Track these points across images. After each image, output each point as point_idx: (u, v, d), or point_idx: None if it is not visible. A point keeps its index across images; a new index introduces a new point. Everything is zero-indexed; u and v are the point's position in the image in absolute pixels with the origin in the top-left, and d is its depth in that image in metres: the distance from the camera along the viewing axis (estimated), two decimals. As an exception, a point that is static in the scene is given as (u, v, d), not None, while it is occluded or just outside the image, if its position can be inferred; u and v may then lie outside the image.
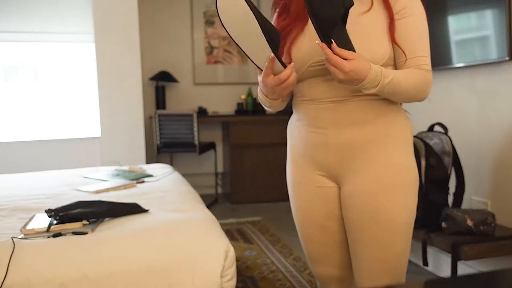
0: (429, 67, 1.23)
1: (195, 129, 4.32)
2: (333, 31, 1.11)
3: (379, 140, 1.24)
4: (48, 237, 1.62)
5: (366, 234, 1.26)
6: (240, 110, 5.03)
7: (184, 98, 5.08)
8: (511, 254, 2.15)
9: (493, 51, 2.26)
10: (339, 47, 1.10)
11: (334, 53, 1.09)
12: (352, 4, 1.10)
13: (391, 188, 1.24)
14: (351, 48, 1.12)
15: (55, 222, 1.72)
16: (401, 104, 1.32)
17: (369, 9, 1.22)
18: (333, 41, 1.09)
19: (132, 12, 3.89)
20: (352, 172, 1.26)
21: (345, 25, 1.13)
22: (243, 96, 5.08)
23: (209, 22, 5.11)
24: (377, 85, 1.12)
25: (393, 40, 1.21)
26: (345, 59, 1.09)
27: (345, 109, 1.23)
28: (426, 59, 1.23)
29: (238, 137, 4.60)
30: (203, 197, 2.55)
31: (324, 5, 1.08)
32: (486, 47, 2.33)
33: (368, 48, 1.19)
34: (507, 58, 2.17)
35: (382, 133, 1.25)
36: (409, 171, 1.27)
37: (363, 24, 1.21)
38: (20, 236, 1.63)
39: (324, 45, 1.09)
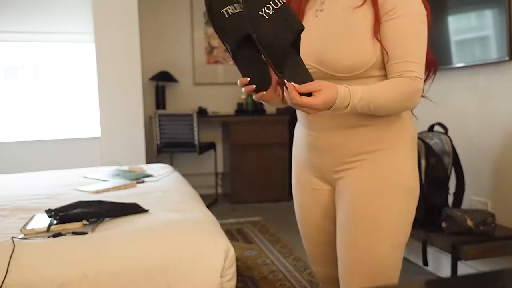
0: (418, 73, 1.13)
1: (195, 129, 4.32)
2: (285, 61, 1.03)
3: (372, 143, 1.21)
4: (48, 237, 1.62)
5: (348, 235, 1.24)
6: (240, 110, 5.02)
7: (184, 98, 5.08)
8: (511, 254, 2.15)
9: (493, 51, 2.25)
10: (295, 78, 1.03)
11: (299, 92, 1.02)
12: (302, 28, 1.03)
13: (378, 192, 1.20)
14: (309, 77, 1.05)
15: (55, 222, 1.72)
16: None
17: (362, 5, 1.15)
18: (291, 83, 1.02)
19: (132, 12, 3.89)
20: (343, 175, 1.25)
21: (299, 52, 1.05)
22: (243, 96, 5.08)
23: (209, 22, 5.11)
24: (347, 105, 1.06)
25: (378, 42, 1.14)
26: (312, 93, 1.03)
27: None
28: (414, 65, 1.13)
29: (238, 137, 4.60)
30: (203, 197, 2.56)
31: (271, 32, 1.00)
32: (486, 47, 2.33)
33: (353, 51, 1.14)
34: (507, 58, 2.17)
35: (375, 136, 1.21)
36: (403, 175, 1.22)
37: (351, 22, 1.16)
38: (20, 236, 1.63)
39: (292, 87, 1.02)
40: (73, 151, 4.38)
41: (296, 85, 1.01)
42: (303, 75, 1.05)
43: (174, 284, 1.51)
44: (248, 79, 1.11)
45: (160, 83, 4.85)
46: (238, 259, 2.81)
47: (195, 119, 4.30)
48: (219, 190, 5.08)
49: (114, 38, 3.86)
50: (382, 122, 1.21)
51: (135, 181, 2.62)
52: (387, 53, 1.13)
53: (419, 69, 1.14)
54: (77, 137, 4.47)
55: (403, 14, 1.12)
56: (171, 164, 4.80)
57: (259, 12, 0.99)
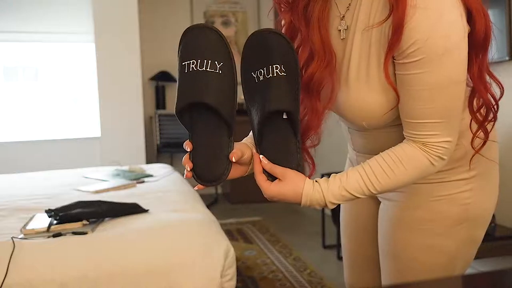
0: (440, 136, 0.85)
1: (195, 129, 4.31)
2: (264, 131, 0.92)
3: None
4: (48, 237, 1.62)
5: (383, 263, 1.12)
6: (240, 110, 4.99)
7: (184, 98, 5.08)
8: (511, 254, 2.15)
9: (493, 51, 2.25)
10: (269, 152, 0.92)
11: (263, 167, 0.91)
12: (274, 109, 0.87)
13: (408, 225, 1.02)
14: (287, 161, 0.91)
15: (55, 222, 1.72)
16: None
17: (383, 21, 0.82)
18: (262, 155, 0.92)
19: (132, 12, 3.89)
20: (384, 196, 1.10)
21: (296, 129, 0.91)
22: (243, 96, 5.08)
23: (209, 22, 5.11)
24: (323, 204, 0.89)
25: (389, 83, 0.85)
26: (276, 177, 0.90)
27: (372, 137, 1.01)
28: (433, 126, 0.84)
29: (237, 137, 4.58)
30: (203, 197, 2.56)
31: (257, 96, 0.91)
32: (491, 43, 2.33)
33: (367, 106, 0.90)
34: (507, 58, 2.17)
35: None
36: (449, 205, 0.99)
37: (366, 56, 0.88)
38: (20, 236, 1.63)
39: (257, 158, 0.92)
40: (73, 151, 4.38)
41: (264, 160, 0.91)
42: (281, 154, 0.92)
43: (174, 284, 1.51)
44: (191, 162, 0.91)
45: (160, 83, 4.85)
46: (238, 259, 2.81)
47: (195, 119, 4.30)
48: (219, 190, 5.07)
49: (114, 38, 3.86)
50: None
51: (135, 181, 2.62)
52: (398, 97, 0.85)
53: (442, 129, 0.85)
54: (77, 137, 4.48)
55: (424, 56, 0.79)
56: (171, 164, 4.79)
57: (252, 73, 0.92)
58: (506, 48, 2.16)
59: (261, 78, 0.89)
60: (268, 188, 0.90)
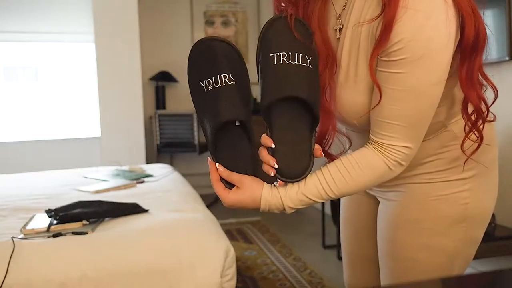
0: (399, 140, 0.85)
1: (195, 129, 4.32)
2: (218, 140, 0.91)
3: (413, 166, 0.97)
4: (48, 237, 1.62)
5: (382, 263, 1.12)
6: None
7: (184, 98, 5.08)
8: (511, 254, 2.15)
9: (493, 51, 2.25)
10: (225, 161, 0.91)
11: (220, 176, 0.92)
12: (226, 120, 0.87)
13: (408, 226, 1.01)
14: (245, 168, 0.91)
15: (55, 222, 1.72)
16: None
17: (375, 19, 0.82)
18: (216, 163, 0.92)
19: (132, 12, 3.89)
20: (382, 196, 1.10)
21: (249, 137, 0.92)
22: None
23: (209, 22, 5.11)
24: (282, 208, 0.89)
25: (373, 79, 0.84)
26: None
27: (368, 137, 0.97)
28: (395, 128, 0.84)
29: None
30: (203, 197, 2.56)
31: (204, 106, 0.91)
32: (486, 47, 2.33)
33: (357, 106, 0.91)
34: (507, 58, 2.17)
35: (418, 157, 0.94)
36: (448, 204, 0.98)
37: (355, 54, 0.89)
38: (20, 236, 1.63)
39: (213, 167, 0.92)
40: (73, 151, 4.38)
41: (221, 168, 0.91)
42: (237, 162, 0.92)
43: (174, 284, 1.51)
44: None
45: (160, 83, 4.85)
46: (238, 259, 2.81)
47: (195, 119, 4.30)
48: (219, 190, 5.07)
49: (114, 38, 3.86)
50: (427, 139, 0.96)
51: (135, 181, 2.62)
52: (380, 94, 0.83)
53: (403, 134, 0.85)
54: (77, 137, 4.48)
55: (406, 57, 0.80)
56: (171, 164, 4.80)
57: (200, 83, 0.90)
58: (506, 48, 2.16)
59: (210, 87, 0.89)
60: (227, 197, 0.91)
